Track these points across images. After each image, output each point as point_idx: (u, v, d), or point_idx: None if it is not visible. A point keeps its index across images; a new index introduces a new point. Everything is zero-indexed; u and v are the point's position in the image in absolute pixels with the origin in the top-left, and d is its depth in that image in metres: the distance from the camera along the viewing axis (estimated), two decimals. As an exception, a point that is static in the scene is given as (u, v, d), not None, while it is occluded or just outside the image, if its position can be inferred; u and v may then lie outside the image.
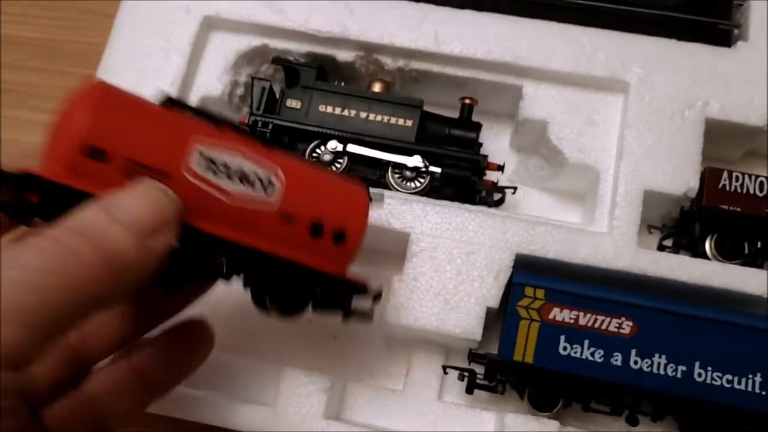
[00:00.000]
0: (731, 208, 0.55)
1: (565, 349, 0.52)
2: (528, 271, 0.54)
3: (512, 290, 0.53)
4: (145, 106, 0.37)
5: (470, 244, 0.54)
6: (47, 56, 0.71)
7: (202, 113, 0.40)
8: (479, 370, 0.54)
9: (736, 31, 0.61)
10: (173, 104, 0.39)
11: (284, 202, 0.40)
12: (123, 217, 0.32)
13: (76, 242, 0.30)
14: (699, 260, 0.54)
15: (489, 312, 0.53)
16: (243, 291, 0.43)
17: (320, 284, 0.43)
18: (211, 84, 0.61)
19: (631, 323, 0.52)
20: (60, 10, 0.72)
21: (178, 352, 0.44)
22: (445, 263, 0.54)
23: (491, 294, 0.53)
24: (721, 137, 0.58)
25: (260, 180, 0.39)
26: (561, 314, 0.52)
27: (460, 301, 0.53)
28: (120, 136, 0.35)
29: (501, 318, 0.54)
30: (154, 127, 0.36)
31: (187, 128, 0.38)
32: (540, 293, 0.52)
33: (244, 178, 0.38)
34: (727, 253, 0.56)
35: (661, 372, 0.51)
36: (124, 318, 0.43)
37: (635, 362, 0.51)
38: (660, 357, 0.51)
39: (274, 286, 0.42)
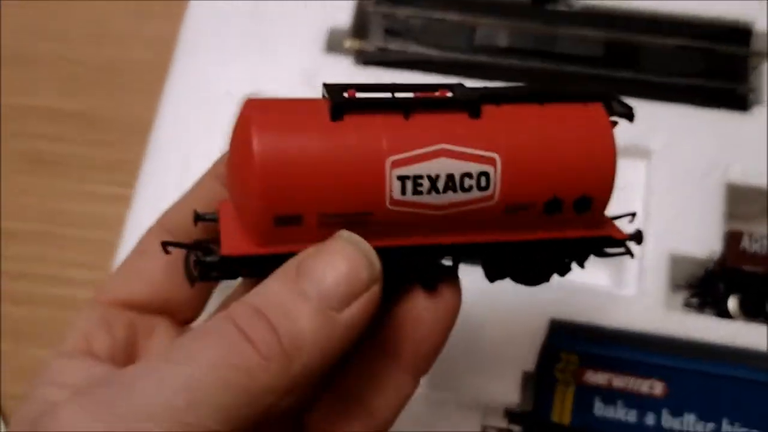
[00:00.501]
0: (752, 269, 0.58)
1: (600, 410, 0.54)
2: (562, 335, 0.57)
3: (549, 355, 0.55)
4: (318, 138, 0.30)
5: (505, 310, 0.57)
6: (90, 128, 0.74)
7: (379, 102, 0.31)
8: (516, 428, 0.57)
9: (751, 95, 0.64)
10: (344, 108, 0.30)
11: (504, 192, 0.32)
12: (311, 289, 0.28)
13: (251, 327, 0.27)
14: (724, 321, 0.57)
15: (525, 375, 0.56)
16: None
17: (566, 252, 0.36)
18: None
19: (662, 384, 0.55)
20: (100, 82, 0.76)
21: None
22: (481, 329, 0.57)
23: (527, 358, 0.56)
24: (741, 198, 0.61)
25: (469, 177, 0.31)
26: (595, 377, 0.55)
27: (498, 365, 0.56)
28: (305, 193, 0.30)
29: (537, 380, 0.57)
30: (338, 165, 0.30)
31: (375, 149, 0.30)
32: (574, 357, 0.55)
33: (451, 183, 0.31)
34: (750, 311, 0.58)
35: (692, 430, 0.54)
36: None
37: (667, 421, 0.54)
38: (690, 415, 0.54)
39: (512, 271, 0.37)
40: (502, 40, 0.65)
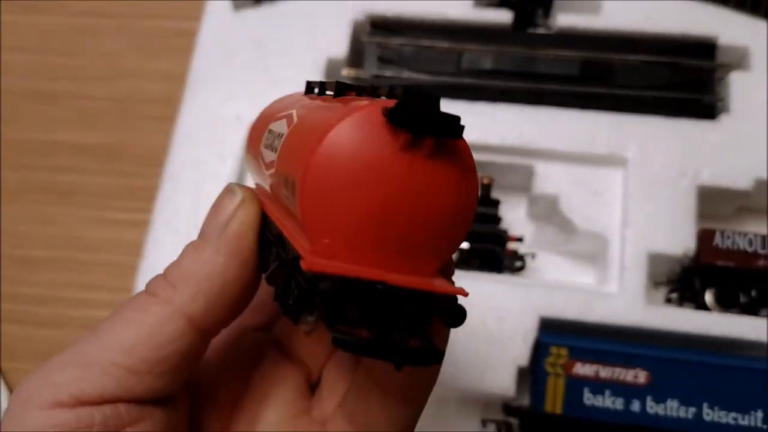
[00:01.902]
0: (725, 263, 0.63)
1: (589, 399, 0.59)
2: (552, 332, 0.61)
3: (539, 350, 0.60)
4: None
5: (499, 310, 0.62)
6: (108, 159, 0.79)
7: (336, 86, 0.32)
8: (514, 420, 0.61)
9: (719, 104, 0.69)
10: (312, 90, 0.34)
11: (279, 157, 0.30)
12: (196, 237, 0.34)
13: (151, 283, 0.33)
14: (701, 312, 0.62)
15: (520, 370, 0.61)
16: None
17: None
18: (261, 181, 0.69)
19: (645, 373, 0.59)
20: (116, 115, 0.81)
21: None
22: (478, 328, 0.62)
23: (521, 354, 0.61)
24: (713, 199, 0.66)
25: (278, 137, 0.31)
26: (583, 369, 0.60)
27: (494, 362, 0.61)
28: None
29: (530, 374, 0.62)
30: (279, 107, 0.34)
31: (282, 108, 0.33)
32: (563, 351, 0.60)
33: (271, 139, 0.32)
34: (725, 303, 0.63)
35: (675, 415, 0.58)
36: None
37: (651, 407, 0.59)
38: (672, 401, 0.59)
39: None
40: (487, 64, 0.70)
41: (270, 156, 0.31)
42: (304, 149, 0.27)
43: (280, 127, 0.31)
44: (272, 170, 0.30)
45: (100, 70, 0.82)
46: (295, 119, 0.30)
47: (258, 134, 0.35)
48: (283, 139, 0.30)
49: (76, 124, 0.80)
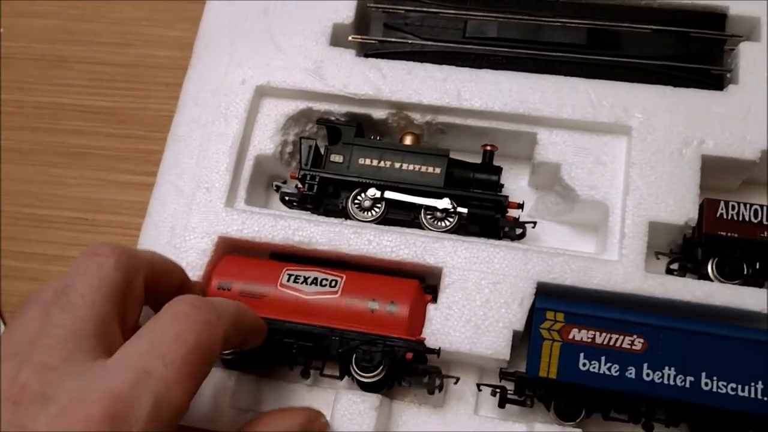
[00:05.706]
0: (729, 234, 0.62)
1: (584, 365, 0.58)
2: (548, 297, 0.61)
3: (535, 314, 0.60)
4: (254, 261, 0.65)
5: (496, 274, 0.62)
6: (118, 123, 0.80)
7: (296, 258, 0.65)
8: (510, 386, 0.61)
9: (727, 75, 0.68)
10: (276, 258, 0.66)
11: (344, 291, 0.61)
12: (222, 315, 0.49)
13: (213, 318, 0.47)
14: (701, 281, 0.61)
15: (515, 335, 0.61)
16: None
17: (384, 344, 0.58)
18: (264, 144, 0.70)
19: (642, 340, 0.58)
20: (126, 81, 0.82)
21: None
22: (474, 293, 0.62)
23: (517, 318, 0.60)
24: (718, 170, 0.65)
25: (327, 281, 0.62)
26: (579, 334, 0.59)
27: (490, 326, 0.60)
28: (237, 279, 0.63)
29: (526, 339, 0.61)
30: (258, 270, 0.63)
31: (281, 265, 0.63)
32: (560, 316, 0.59)
33: (315, 281, 0.61)
34: (728, 274, 0.62)
35: (671, 383, 0.57)
36: None
37: (647, 375, 0.58)
38: (670, 369, 0.58)
39: (345, 353, 0.59)
40: (492, 31, 0.70)
41: (316, 288, 0.62)
42: (398, 291, 0.62)
43: (318, 276, 0.63)
44: (334, 295, 0.61)
45: (111, 37, 0.83)
46: (343, 276, 0.63)
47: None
48: (342, 284, 0.62)
49: (87, 88, 0.82)
